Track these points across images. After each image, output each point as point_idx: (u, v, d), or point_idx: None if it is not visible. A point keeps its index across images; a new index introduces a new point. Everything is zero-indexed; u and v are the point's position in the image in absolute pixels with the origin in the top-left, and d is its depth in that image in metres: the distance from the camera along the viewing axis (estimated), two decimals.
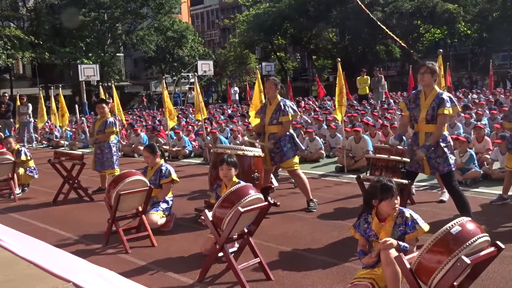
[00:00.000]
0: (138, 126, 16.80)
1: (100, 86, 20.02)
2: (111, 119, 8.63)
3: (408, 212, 3.84)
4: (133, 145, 14.20)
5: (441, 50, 8.83)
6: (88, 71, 30.39)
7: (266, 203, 4.54)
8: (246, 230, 4.67)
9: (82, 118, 21.42)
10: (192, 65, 36.10)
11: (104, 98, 13.50)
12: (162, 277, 4.70)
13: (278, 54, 44.94)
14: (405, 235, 3.75)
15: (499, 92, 20.56)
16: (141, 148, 12.75)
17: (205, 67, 31.83)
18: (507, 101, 16.04)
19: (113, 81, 24.02)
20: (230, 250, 4.64)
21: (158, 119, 21.27)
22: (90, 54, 38.23)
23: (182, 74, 35.78)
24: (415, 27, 37.06)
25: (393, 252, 3.49)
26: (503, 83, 27.35)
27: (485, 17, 34.38)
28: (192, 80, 23.25)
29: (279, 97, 6.87)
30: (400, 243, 3.64)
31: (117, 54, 45.28)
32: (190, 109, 23.58)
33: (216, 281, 4.56)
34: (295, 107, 6.97)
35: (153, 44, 42.44)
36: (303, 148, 7.54)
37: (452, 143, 5.73)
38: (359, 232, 3.96)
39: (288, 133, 6.82)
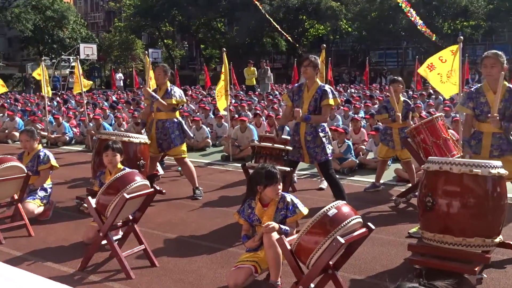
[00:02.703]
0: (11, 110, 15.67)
1: None
2: None
3: (289, 197, 4.02)
4: (7, 130, 13.26)
5: (324, 45, 9.24)
6: None
7: (152, 189, 4.50)
8: (131, 217, 4.60)
9: None
10: (73, 48, 34.26)
11: None
12: (40, 268, 4.48)
13: (165, 41, 44.19)
14: (286, 218, 3.93)
15: (375, 88, 22.04)
16: (16, 134, 11.97)
17: (88, 50, 30.46)
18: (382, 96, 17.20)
19: None
20: (114, 238, 4.54)
21: (36, 102, 20.01)
22: None
23: (63, 57, 33.88)
24: (301, 22, 38.35)
25: (275, 235, 3.64)
26: (380, 79, 29.30)
27: (364, 16, 36.47)
28: (73, 64, 22.11)
29: (168, 84, 6.81)
30: (282, 226, 3.81)
31: None
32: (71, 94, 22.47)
33: (99, 269, 4.45)
34: (182, 95, 6.95)
35: (30, 23, 39.64)
36: (191, 135, 7.54)
37: (330, 134, 6.06)
38: (243, 218, 4.08)
39: (176, 119, 6.78)
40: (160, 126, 6.70)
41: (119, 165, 5.09)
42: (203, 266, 4.51)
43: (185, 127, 6.95)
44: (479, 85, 4.94)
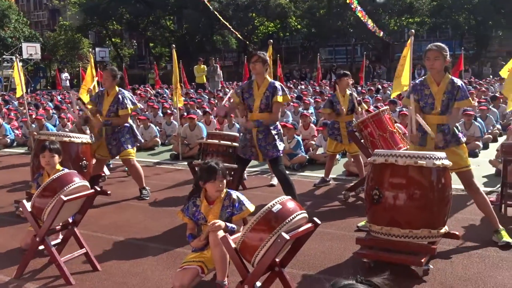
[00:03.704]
0: None
1: None
2: None
3: (235, 194, 3.92)
4: None
5: (271, 41, 9.20)
6: None
7: (92, 190, 4.30)
8: (70, 221, 4.38)
9: None
10: (16, 48, 33.00)
11: None
12: None
13: (113, 40, 43.23)
14: (232, 216, 3.82)
15: (325, 84, 22.25)
16: None
17: (31, 50, 29.42)
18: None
19: None
20: (53, 242, 4.32)
21: None
22: None
23: (4, 57, 32.56)
24: (250, 19, 38.35)
25: (221, 234, 3.53)
26: (329, 75, 29.64)
27: (313, 13, 36.81)
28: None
29: (117, 88, 6.58)
30: (228, 224, 3.70)
31: None
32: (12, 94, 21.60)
33: (36, 276, 4.21)
34: (134, 100, 6.74)
35: None
36: (142, 140, 7.33)
37: (282, 131, 6.00)
38: (188, 216, 3.95)
39: (127, 124, 6.58)
40: (110, 131, 6.47)
41: (58, 166, 4.84)
42: (148, 268, 4.35)
43: (136, 131, 6.74)
44: (423, 77, 4.97)
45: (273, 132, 5.62)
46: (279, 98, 5.54)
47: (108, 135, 6.48)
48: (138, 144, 6.97)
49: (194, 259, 3.76)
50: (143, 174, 6.84)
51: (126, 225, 5.61)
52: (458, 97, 4.68)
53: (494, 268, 4.15)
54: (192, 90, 20.38)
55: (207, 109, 11.92)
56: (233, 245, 3.20)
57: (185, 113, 11.81)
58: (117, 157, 6.80)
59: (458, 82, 4.77)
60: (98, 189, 4.40)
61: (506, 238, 4.63)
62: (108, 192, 6.28)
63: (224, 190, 3.88)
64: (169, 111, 12.23)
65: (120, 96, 6.48)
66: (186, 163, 8.36)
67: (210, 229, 3.62)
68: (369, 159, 4.36)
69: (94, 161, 6.48)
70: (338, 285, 1.34)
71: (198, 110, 13.11)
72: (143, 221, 5.75)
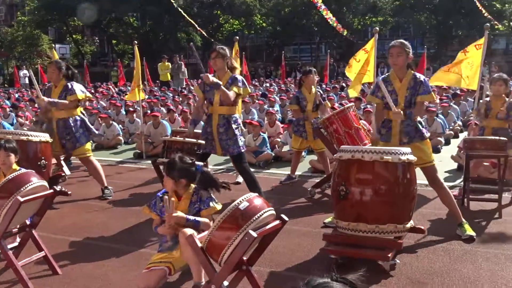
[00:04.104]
0: None
1: None
2: None
3: (204, 190, 3.84)
4: None
5: (237, 37, 9.11)
6: None
7: (51, 191, 4.13)
8: (28, 222, 4.20)
9: None
10: None
11: None
12: None
13: (74, 36, 42.24)
14: (200, 212, 3.74)
15: (290, 81, 22.31)
16: None
17: None
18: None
19: None
20: (10, 246, 4.13)
21: None
22: None
23: None
24: (215, 17, 38.14)
25: (189, 232, 3.43)
26: (294, 73, 29.74)
27: (278, 11, 36.90)
28: None
29: (65, 80, 6.37)
30: (190, 217, 3.59)
31: None
32: None
33: None
34: (84, 90, 6.55)
35: None
36: (96, 132, 7.13)
37: (244, 127, 5.95)
38: (155, 212, 3.84)
39: (78, 117, 6.38)
40: (62, 125, 6.26)
41: (15, 166, 4.63)
42: (110, 270, 4.22)
43: (89, 123, 6.55)
44: (386, 74, 5.00)
45: (234, 126, 5.59)
46: (235, 89, 5.53)
47: (60, 128, 6.26)
48: (93, 137, 6.77)
49: (162, 259, 3.65)
50: (103, 173, 6.66)
51: (88, 226, 5.44)
52: (421, 91, 4.72)
53: (459, 261, 4.20)
54: (156, 88, 20.10)
55: (171, 107, 11.76)
56: (200, 244, 3.11)
57: (149, 111, 11.61)
58: (77, 157, 6.62)
59: (421, 77, 4.81)
60: (58, 189, 4.23)
61: (469, 231, 4.69)
62: (69, 192, 6.11)
63: (192, 186, 3.80)
64: (131, 109, 12.00)
65: (69, 85, 6.29)
66: (150, 161, 8.22)
67: (170, 220, 3.54)
68: (335, 155, 4.34)
69: (54, 160, 6.28)
70: (313, 283, 1.29)
71: (162, 108, 12.92)
72: (105, 222, 5.59)
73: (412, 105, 4.76)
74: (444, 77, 7.24)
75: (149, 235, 4.89)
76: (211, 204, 3.76)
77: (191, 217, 3.59)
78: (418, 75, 4.83)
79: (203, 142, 5.71)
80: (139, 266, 4.20)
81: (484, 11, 17.43)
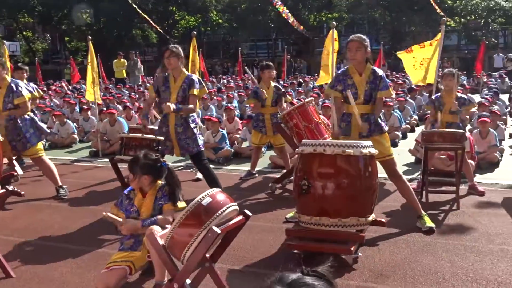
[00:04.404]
0: None
1: None
2: None
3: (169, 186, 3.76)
4: None
5: (194, 32, 9.00)
6: None
7: (3, 191, 3.95)
8: None
9: None
10: None
11: None
12: None
13: (24, 33, 40.88)
14: (162, 207, 3.66)
15: (247, 78, 22.25)
16: None
17: None
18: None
19: None
20: None
21: None
22: None
23: None
24: (171, 13, 37.68)
25: (152, 230, 3.34)
26: (251, 69, 29.71)
27: (234, 8, 36.78)
28: None
29: (8, 79, 6.10)
30: (146, 220, 3.51)
31: None
32: None
33: None
34: (30, 88, 6.30)
35: None
36: (48, 131, 6.88)
37: (203, 124, 5.86)
38: (122, 210, 3.72)
39: (27, 116, 6.12)
40: (11, 126, 6.00)
41: None
42: (67, 271, 4.05)
43: (39, 123, 6.30)
44: (345, 67, 5.00)
45: (192, 125, 5.50)
46: (195, 91, 5.45)
47: (9, 130, 6.00)
48: (45, 136, 6.53)
49: (122, 258, 3.53)
50: (58, 172, 6.44)
51: (42, 227, 5.23)
52: (381, 87, 4.75)
53: (420, 253, 4.24)
54: (111, 85, 19.69)
55: (128, 104, 11.52)
56: (161, 242, 3.02)
57: (105, 109, 11.33)
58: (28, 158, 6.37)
59: (380, 72, 4.84)
60: (10, 189, 4.04)
61: (429, 223, 4.76)
62: (22, 192, 5.89)
63: (159, 182, 3.72)
64: (86, 107, 11.69)
65: (13, 85, 6.02)
66: (106, 160, 8.03)
67: (125, 231, 3.48)
68: (297, 149, 4.31)
69: (5, 160, 6.01)
70: (286, 280, 1.23)
71: (118, 105, 12.65)
72: (61, 222, 5.39)
73: (372, 99, 4.78)
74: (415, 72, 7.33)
75: (107, 234, 4.74)
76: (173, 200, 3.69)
77: (147, 220, 3.51)
78: (377, 69, 4.86)
79: (162, 138, 5.59)
80: (97, 266, 4.05)
81: (436, 7, 17.85)
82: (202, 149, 5.62)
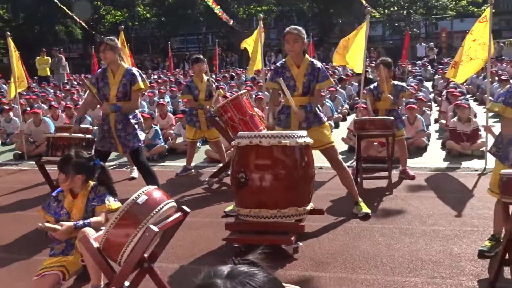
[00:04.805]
0: None
1: None
2: None
3: (101, 187, 3.62)
4: None
5: (122, 26, 8.74)
6: None
7: None
8: None
9: None
10: None
11: None
12: None
13: None
14: (95, 208, 3.50)
15: (179, 73, 21.99)
16: None
17: None
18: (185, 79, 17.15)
19: None
20: None
21: None
22: None
23: None
24: (96, 8, 36.52)
25: (88, 232, 3.18)
26: (183, 64, 29.37)
27: (162, 1, 36.16)
28: None
29: None
30: (78, 222, 3.34)
31: None
32: None
33: None
34: None
35: None
36: None
37: (142, 120, 5.68)
38: (50, 213, 3.52)
39: None
40: None
41: None
42: None
43: None
44: (283, 60, 4.99)
45: (133, 121, 5.33)
46: (141, 84, 5.28)
47: None
48: None
49: (54, 264, 3.35)
50: None
51: None
52: (320, 78, 4.78)
53: (357, 239, 4.32)
54: (34, 84, 18.82)
55: (53, 103, 11.03)
56: (96, 245, 2.87)
57: (28, 108, 10.78)
58: None
59: (318, 64, 4.87)
60: None
61: (365, 209, 4.86)
62: None
63: (91, 183, 3.54)
64: (7, 107, 11.08)
65: None
66: (33, 162, 7.64)
67: (59, 237, 3.29)
68: (233, 142, 4.25)
69: None
70: (222, 273, 1.22)
71: (43, 105, 12.09)
72: None
73: (310, 90, 4.80)
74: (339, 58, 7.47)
75: (36, 241, 4.50)
76: (106, 201, 3.53)
77: (80, 222, 3.34)
78: (315, 61, 4.88)
79: (90, 136, 5.36)
80: (28, 274, 3.81)
81: None
82: (142, 145, 5.46)
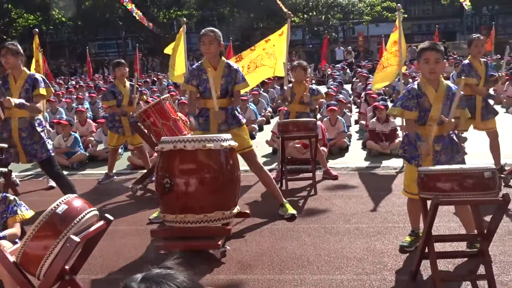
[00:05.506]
0: None
1: None
2: None
3: (13, 197, 3.43)
4: None
5: (36, 30, 8.32)
6: None
7: None
8: None
9: None
10: None
11: None
12: None
13: None
14: (6, 220, 3.31)
15: (98, 78, 21.37)
16: None
17: None
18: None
19: None
20: None
21: None
22: None
23: None
24: (7, 11, 34.74)
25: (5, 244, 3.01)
26: (102, 69, 28.62)
27: (78, 5, 35.02)
28: None
29: None
30: None
31: None
32: None
33: None
34: None
35: None
36: None
37: (47, 126, 5.45)
38: None
39: None
40: None
41: None
42: None
43: None
44: (199, 62, 4.96)
45: (39, 129, 5.10)
46: (41, 91, 5.07)
47: None
48: None
49: None
50: None
51: None
52: (238, 80, 4.80)
53: (284, 239, 4.36)
54: None
55: None
56: (12, 259, 2.71)
57: None
58: None
59: (234, 65, 4.89)
60: None
61: (290, 210, 4.92)
62: None
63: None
64: None
65: None
66: None
67: None
68: (157, 147, 4.18)
69: None
70: (136, 278, 1.25)
71: None
72: None
73: (228, 92, 4.80)
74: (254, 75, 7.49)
75: None
76: (18, 211, 3.36)
77: None
78: (231, 63, 4.90)
79: (4, 145, 5.07)
80: None
81: (280, 4, 18.73)
82: (53, 154, 5.23)
